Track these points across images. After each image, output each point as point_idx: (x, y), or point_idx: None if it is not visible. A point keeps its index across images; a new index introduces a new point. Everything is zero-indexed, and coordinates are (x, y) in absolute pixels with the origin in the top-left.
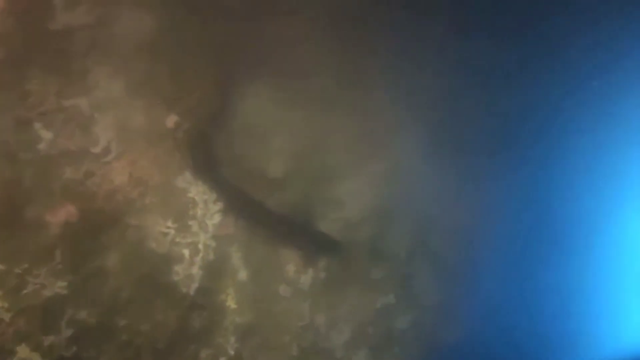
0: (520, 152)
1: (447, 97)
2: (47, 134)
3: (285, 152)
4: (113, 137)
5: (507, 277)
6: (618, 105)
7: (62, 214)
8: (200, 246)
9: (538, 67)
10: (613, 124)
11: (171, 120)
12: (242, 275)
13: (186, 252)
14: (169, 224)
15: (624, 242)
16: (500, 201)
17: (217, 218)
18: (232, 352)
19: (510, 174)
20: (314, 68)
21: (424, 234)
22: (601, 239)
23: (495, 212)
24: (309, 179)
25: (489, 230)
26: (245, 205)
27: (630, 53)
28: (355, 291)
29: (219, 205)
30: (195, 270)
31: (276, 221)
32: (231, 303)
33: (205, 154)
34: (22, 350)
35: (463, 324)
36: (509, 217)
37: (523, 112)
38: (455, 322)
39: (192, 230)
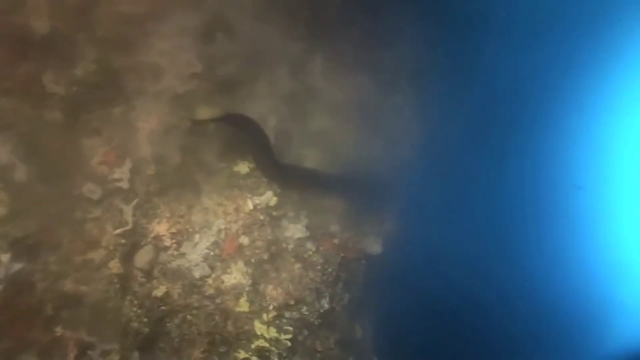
0: None
1: None
2: None
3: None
4: None
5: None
6: None
7: None
8: None
9: None
10: None
11: None
12: (19, 173)
13: None
14: None
15: None
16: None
17: None
18: (4, 274)
19: None
20: None
21: (295, 108)
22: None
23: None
24: (103, 41)
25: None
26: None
27: None
28: (209, 190)
29: None
30: None
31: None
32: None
33: None
34: None
35: (384, 229)
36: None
37: None
38: (372, 231)
39: None
